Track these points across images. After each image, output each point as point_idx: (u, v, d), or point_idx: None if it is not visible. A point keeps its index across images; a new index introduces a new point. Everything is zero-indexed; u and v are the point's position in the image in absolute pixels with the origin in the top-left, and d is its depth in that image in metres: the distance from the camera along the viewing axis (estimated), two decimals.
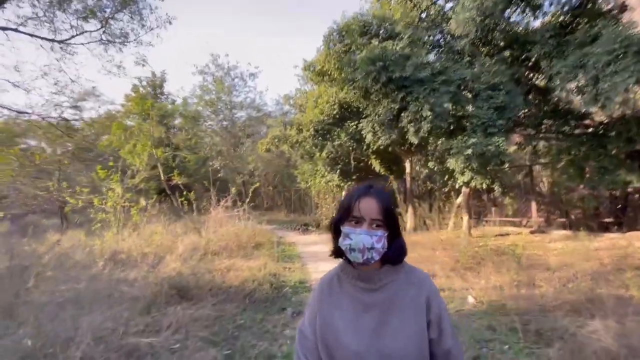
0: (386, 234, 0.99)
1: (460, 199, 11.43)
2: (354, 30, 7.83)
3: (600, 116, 7.48)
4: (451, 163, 6.72)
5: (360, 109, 8.88)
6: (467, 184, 9.18)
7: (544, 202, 11.64)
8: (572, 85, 6.29)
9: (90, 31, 8.31)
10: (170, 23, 9.40)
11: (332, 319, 1.02)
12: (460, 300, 5.10)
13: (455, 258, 7.26)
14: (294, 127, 9.82)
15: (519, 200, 11.45)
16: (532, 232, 10.15)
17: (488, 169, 6.66)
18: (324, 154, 9.85)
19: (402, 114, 6.83)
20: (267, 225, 17.48)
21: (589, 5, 6.70)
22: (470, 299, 5.01)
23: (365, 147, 10.17)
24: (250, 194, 9.66)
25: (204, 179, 22.01)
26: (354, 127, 8.98)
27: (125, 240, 6.96)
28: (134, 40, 8.89)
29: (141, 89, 31.06)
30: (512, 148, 6.65)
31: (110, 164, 7.71)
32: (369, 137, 7.62)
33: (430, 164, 8.31)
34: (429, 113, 6.34)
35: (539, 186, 12.17)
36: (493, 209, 11.93)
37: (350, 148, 9.31)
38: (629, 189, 7.86)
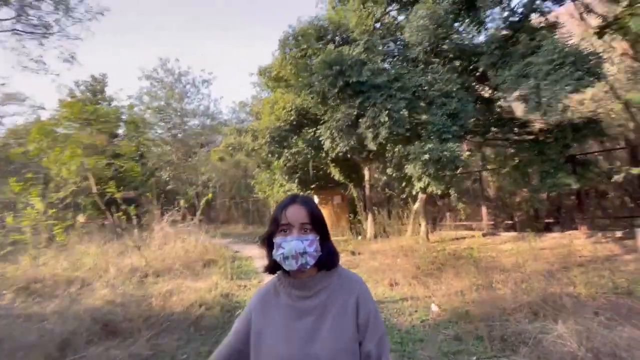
0: (317, 238, 1.01)
1: (417, 205, 11.64)
2: (310, 35, 7.65)
3: (540, 124, 8.03)
4: (409, 169, 6.69)
5: (318, 116, 8.67)
6: (424, 189, 9.32)
7: (492, 206, 12.31)
8: (516, 93, 6.64)
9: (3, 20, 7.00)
10: (102, 14, 8.37)
11: (266, 329, 1.03)
12: (424, 309, 4.95)
13: (416, 265, 7.20)
14: (248, 133, 9.27)
15: (471, 205, 11.98)
16: (484, 235, 10.60)
17: (443, 174, 6.73)
18: (280, 162, 9.42)
19: (360, 120, 6.70)
20: (223, 239, 16.46)
21: (527, 22, 7.19)
22: (434, 308, 4.88)
23: (324, 154, 9.95)
24: (202, 206, 8.89)
25: (152, 192, 20.32)
26: (312, 134, 8.72)
27: (45, 264, 5.88)
28: (58, 32, 7.67)
29: (79, 93, 28.41)
30: (465, 154, 6.87)
31: (29, 175, 6.56)
32: (327, 144, 7.38)
33: (389, 171, 8.29)
34: (386, 119, 6.27)
35: (486, 191, 12.89)
36: (448, 214, 12.34)
37: (309, 155, 9.02)
38: (561, 191, 8.49)
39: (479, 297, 5.11)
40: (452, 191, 7.28)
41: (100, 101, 28.99)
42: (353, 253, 9.31)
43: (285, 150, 9.04)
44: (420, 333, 4.15)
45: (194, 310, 4.19)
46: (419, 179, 6.58)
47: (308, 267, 1.00)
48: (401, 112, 6.44)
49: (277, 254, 1.00)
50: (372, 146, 7.58)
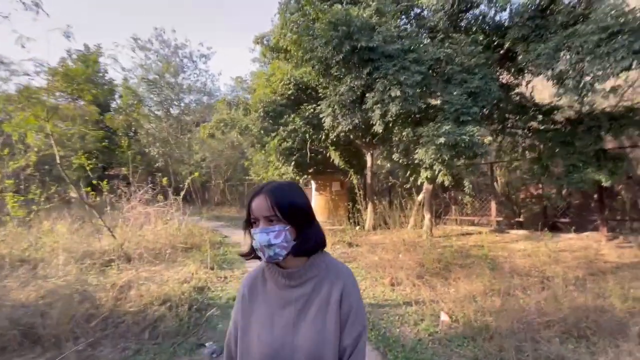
0: (287, 227, 0.97)
1: (421, 196, 10.84)
2: None
3: (569, 111, 7.13)
4: (420, 154, 5.83)
5: (319, 91, 7.73)
6: (431, 179, 8.48)
7: (499, 202, 11.52)
8: (549, 73, 5.70)
9: None
10: None
11: (252, 315, 1.02)
12: (431, 317, 4.19)
13: (420, 262, 6.45)
14: (240, 107, 8.31)
15: (478, 198, 11.18)
16: (492, 232, 9.85)
17: (458, 162, 5.88)
18: (275, 142, 8.53)
19: (367, 95, 5.78)
20: (214, 222, 15.72)
21: None
22: (444, 317, 4.11)
23: (323, 136, 9.05)
24: (186, 185, 8.06)
25: (145, 168, 19.33)
26: (311, 110, 7.79)
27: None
28: None
29: (71, 63, 27.12)
30: (487, 139, 6.00)
31: None
32: (327, 122, 6.48)
33: (395, 156, 7.43)
34: (398, 93, 5.36)
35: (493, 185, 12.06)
36: (453, 207, 11.55)
37: (307, 135, 8.10)
38: (586, 189, 7.66)
39: (496, 305, 4.34)
40: (466, 181, 6.43)
41: (94, 72, 27.90)
42: (350, 244, 8.54)
43: (281, 128, 8.12)
44: (429, 351, 3.39)
45: (153, 310, 3.40)
46: (430, 167, 5.72)
47: (280, 258, 0.97)
48: (415, 88, 5.52)
49: (253, 245, 0.99)
50: (378, 127, 6.69)
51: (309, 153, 9.31)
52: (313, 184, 12.28)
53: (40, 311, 2.70)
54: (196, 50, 35.48)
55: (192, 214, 19.84)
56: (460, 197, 11.60)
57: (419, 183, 9.84)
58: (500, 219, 10.27)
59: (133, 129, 19.69)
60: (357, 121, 6.11)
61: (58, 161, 5.59)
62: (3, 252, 5.07)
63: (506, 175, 12.06)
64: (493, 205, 10.21)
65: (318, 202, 12.12)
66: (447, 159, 5.53)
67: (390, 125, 6.87)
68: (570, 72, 5.01)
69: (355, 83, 5.84)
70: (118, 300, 3.53)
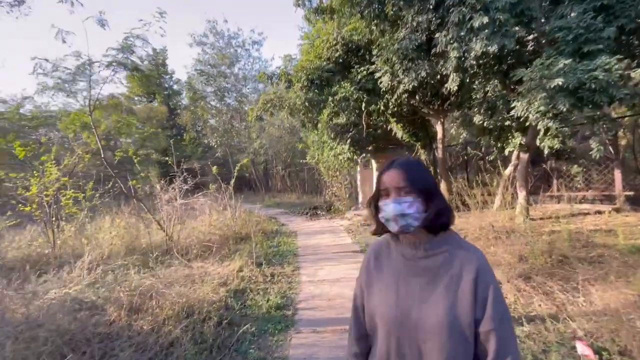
0: (419, 199, 0.98)
1: (510, 170, 8.77)
2: None
3: None
4: (518, 109, 4.16)
5: (372, 50, 6.34)
6: (526, 146, 6.56)
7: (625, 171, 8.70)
8: None
9: None
10: None
11: (376, 284, 1.04)
12: (560, 347, 2.76)
13: (520, 254, 4.86)
14: (281, 79, 7.35)
15: (593, 168, 8.59)
16: (616, 211, 7.41)
17: (587, 113, 4.05)
18: (325, 116, 7.43)
19: (437, 35, 4.26)
20: (275, 209, 15.54)
21: None
22: (583, 349, 2.65)
23: (381, 105, 7.62)
24: (235, 173, 7.55)
25: (214, 160, 20.15)
26: (364, 72, 6.44)
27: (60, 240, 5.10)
28: None
29: (142, 68, 29.61)
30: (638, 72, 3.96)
31: (43, 139, 5.77)
32: (385, 81, 5.15)
33: (477, 119, 5.73)
34: (485, 20, 3.75)
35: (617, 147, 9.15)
36: (555, 181, 9.14)
37: (361, 103, 6.76)
38: None
39: None
40: (594, 143, 4.55)
41: (162, 74, 30.14)
42: None
43: (329, 99, 6.95)
44: None
45: (168, 329, 2.70)
46: (534, 125, 4.03)
47: (411, 228, 0.97)
48: (508, 13, 3.83)
49: (380, 217, 1.01)
50: (453, 83, 5.12)
51: (365, 127, 8.00)
52: (373, 164, 10.95)
53: (30, 334, 2.16)
54: (248, 38, 35.85)
55: (253, 202, 20.27)
56: (565, 168, 9.11)
57: (506, 153, 7.87)
58: (631, 193, 7.66)
59: (198, 123, 20.55)
60: (423, 74, 4.63)
61: (102, 155, 5.34)
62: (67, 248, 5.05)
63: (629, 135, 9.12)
64: (618, 175, 7.64)
65: None
66: (564, 110, 3.77)
67: (469, 78, 5.21)
68: None
69: (420, 20, 4.36)
70: (136, 311, 2.92)
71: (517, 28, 4.02)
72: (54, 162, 5.62)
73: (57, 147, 5.85)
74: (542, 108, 3.79)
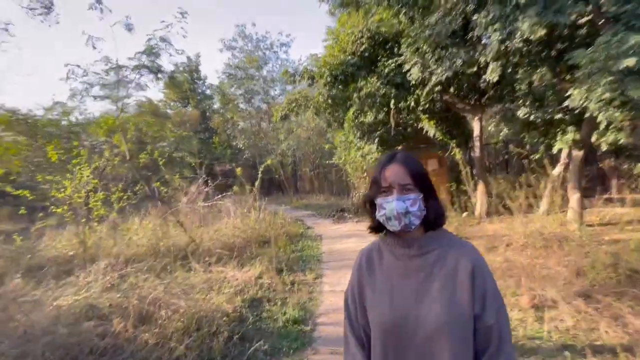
0: (420, 197, 0.95)
1: (558, 170, 7.88)
2: None
3: None
4: (574, 97, 3.55)
5: (401, 42, 5.89)
6: (581, 142, 5.80)
7: None
8: None
9: None
10: None
11: (368, 288, 0.99)
12: None
13: (577, 268, 4.21)
14: (304, 76, 7.07)
15: None
16: None
17: None
18: (350, 114, 7.04)
19: (476, 17, 3.76)
20: (303, 211, 15.35)
21: None
22: None
23: (412, 101, 7.10)
24: (260, 174, 7.41)
25: (243, 162, 20.47)
26: (392, 66, 5.98)
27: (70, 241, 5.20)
28: None
29: (178, 75, 30.92)
30: None
31: (75, 143, 5.96)
32: (414, 73, 4.71)
33: (522, 113, 5.09)
34: None
35: None
36: (614, 182, 8.06)
37: (388, 99, 6.28)
38: None
39: None
40: None
41: (196, 80, 31.30)
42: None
43: (355, 95, 6.55)
44: None
45: (173, 344, 2.49)
46: (595, 116, 3.41)
47: (413, 227, 0.94)
48: None
49: (380, 215, 0.96)
50: (493, 72, 4.56)
51: (393, 125, 7.51)
52: None
53: (20, 349, 2.04)
54: (276, 40, 36.14)
55: (281, 203, 20.29)
56: (626, 166, 7.99)
57: (554, 151, 7.05)
58: None
59: (227, 125, 20.97)
60: (459, 63, 4.12)
61: (128, 157, 5.38)
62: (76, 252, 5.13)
63: None
64: None
65: None
66: (635, 97, 3.13)
67: (511, 66, 4.61)
68: None
69: (455, 0, 3.87)
70: (145, 321, 2.75)
71: (572, 1, 3.41)
72: (86, 164, 5.78)
73: (87, 150, 5.99)
74: (606, 95, 3.17)
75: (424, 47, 4.31)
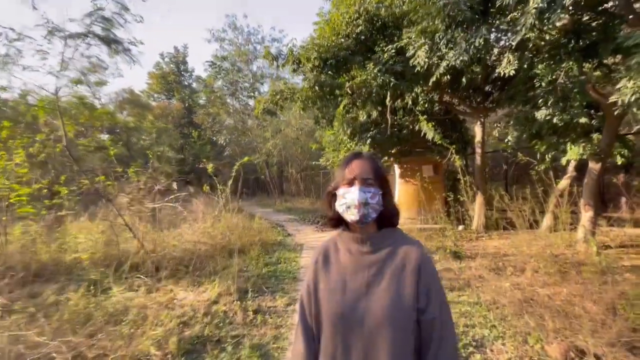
0: (380, 192, 1.01)
1: (565, 183, 7.22)
2: None
3: None
4: (629, 89, 2.77)
5: (402, 26, 5.06)
6: (597, 154, 5.14)
7: None
8: None
9: None
10: None
11: (323, 282, 1.02)
12: None
13: (611, 302, 3.42)
14: (289, 59, 6.09)
15: None
16: None
17: None
18: (341, 108, 6.14)
19: None
20: (286, 215, 14.36)
21: None
22: None
23: (408, 99, 6.27)
24: (234, 174, 6.43)
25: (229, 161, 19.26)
26: (392, 51, 5.10)
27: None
28: None
29: (164, 65, 29.51)
30: None
31: (5, 123, 4.87)
32: (421, 57, 3.87)
33: (541, 115, 4.32)
34: None
35: None
36: (623, 199, 7.43)
37: (386, 90, 5.37)
38: None
39: None
40: None
41: (183, 72, 29.97)
42: (457, 255, 5.70)
43: (347, 83, 5.64)
44: None
45: None
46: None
47: (370, 219, 0.99)
48: None
49: (340, 204, 1.01)
50: (508, 65, 3.78)
51: (388, 123, 6.66)
52: (396, 169, 9.56)
53: None
54: (268, 35, 35.06)
55: (265, 205, 19.22)
56: (637, 183, 7.39)
57: (563, 162, 6.38)
58: None
59: (208, 119, 19.82)
60: (478, 43, 3.28)
61: (64, 143, 4.35)
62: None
63: None
64: None
65: (404, 192, 9.36)
66: None
67: (528, 60, 3.83)
68: None
69: None
70: None
71: None
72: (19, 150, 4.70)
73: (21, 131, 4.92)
74: None
75: (436, 23, 3.47)
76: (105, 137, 18.68)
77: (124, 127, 15.98)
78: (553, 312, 3.34)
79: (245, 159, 6.59)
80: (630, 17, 4.37)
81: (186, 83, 29.04)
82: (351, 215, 0.97)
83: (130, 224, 4.77)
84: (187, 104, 24.24)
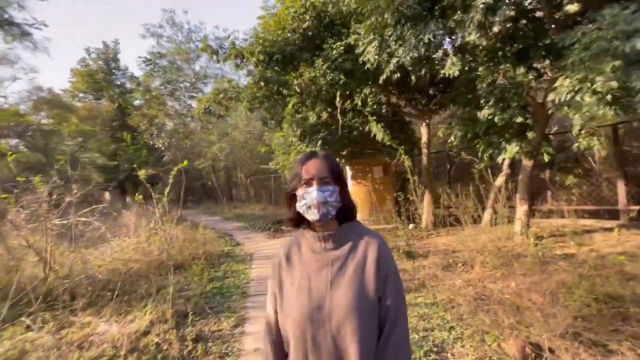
0: (337, 189, 1.03)
1: (501, 180, 7.74)
2: None
3: None
4: (564, 89, 2.88)
5: (349, 23, 4.93)
6: (530, 152, 5.50)
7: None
8: None
9: None
10: None
11: (287, 282, 1.04)
12: None
13: (553, 294, 3.57)
14: (230, 55, 5.62)
15: (590, 179, 7.77)
16: (622, 227, 6.50)
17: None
18: (290, 107, 5.85)
19: None
20: (235, 222, 13.57)
21: None
22: None
23: (358, 100, 6.20)
24: (170, 181, 5.74)
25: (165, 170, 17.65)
26: (341, 47, 4.95)
27: None
28: None
29: (90, 62, 26.41)
30: None
31: None
32: (370, 53, 3.74)
33: (484, 115, 4.47)
34: None
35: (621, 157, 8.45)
36: (549, 193, 8.22)
37: (336, 88, 5.20)
38: None
39: None
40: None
41: (114, 70, 27.10)
42: (410, 255, 5.70)
43: (295, 81, 5.36)
44: None
45: None
46: (596, 106, 2.76)
47: (330, 216, 1.01)
48: None
49: (300, 205, 1.03)
50: (452, 66, 3.82)
51: (339, 124, 6.52)
52: (348, 171, 9.52)
53: None
54: (211, 34, 33.38)
55: (213, 213, 18.06)
56: (559, 178, 8.25)
57: (499, 160, 6.79)
58: (637, 207, 6.80)
59: (145, 122, 18.12)
60: (428, 39, 3.23)
61: None
62: None
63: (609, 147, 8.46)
64: (621, 188, 6.78)
65: (355, 193, 9.33)
66: (637, 87, 2.51)
67: (468, 63, 3.93)
68: None
69: None
70: None
71: None
72: None
73: None
74: (611, 84, 2.50)
75: (386, 18, 3.36)
76: (14, 142, 16.05)
77: (38, 130, 13.76)
78: (506, 307, 3.37)
79: (184, 162, 5.91)
80: (553, 26, 4.76)
81: (118, 82, 26.30)
82: (312, 215, 1.00)
83: (35, 244, 3.88)
84: (119, 105, 21.88)
